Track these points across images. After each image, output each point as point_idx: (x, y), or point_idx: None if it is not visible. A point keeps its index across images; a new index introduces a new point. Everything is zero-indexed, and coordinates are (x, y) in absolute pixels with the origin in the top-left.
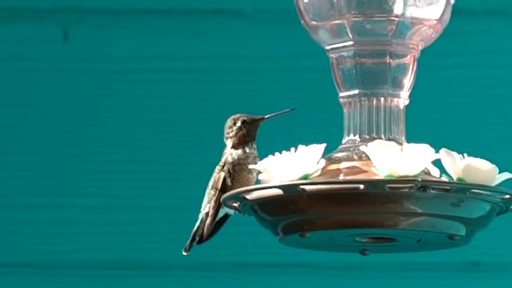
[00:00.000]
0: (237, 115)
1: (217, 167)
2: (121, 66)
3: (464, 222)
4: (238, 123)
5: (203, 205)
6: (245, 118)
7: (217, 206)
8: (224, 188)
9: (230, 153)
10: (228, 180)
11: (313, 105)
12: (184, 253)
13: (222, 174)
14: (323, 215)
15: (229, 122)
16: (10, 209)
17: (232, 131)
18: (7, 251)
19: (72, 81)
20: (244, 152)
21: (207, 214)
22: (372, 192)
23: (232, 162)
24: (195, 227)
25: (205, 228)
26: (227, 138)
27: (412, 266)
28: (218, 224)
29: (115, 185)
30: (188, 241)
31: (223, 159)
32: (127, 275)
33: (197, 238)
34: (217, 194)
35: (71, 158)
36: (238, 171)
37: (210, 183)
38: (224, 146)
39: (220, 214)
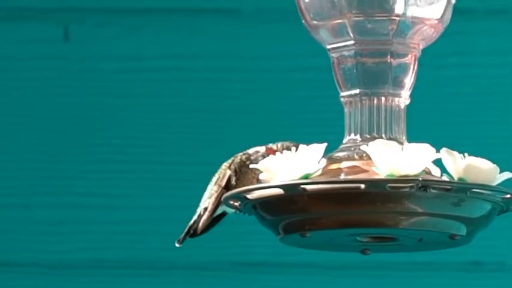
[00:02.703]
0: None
1: (225, 164)
2: (121, 65)
3: (465, 221)
4: (232, 180)
5: (202, 199)
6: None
7: (217, 203)
8: (228, 186)
9: (246, 154)
10: (233, 179)
11: (314, 104)
12: (177, 245)
13: (228, 172)
14: (324, 214)
15: (289, 143)
16: (10, 208)
17: (282, 147)
18: (7, 250)
19: (72, 81)
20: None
21: (205, 209)
22: (373, 191)
23: (240, 162)
24: (192, 221)
25: (201, 223)
26: (274, 143)
27: (413, 265)
28: (214, 220)
29: (115, 184)
30: (183, 233)
31: (232, 157)
32: (128, 274)
33: (191, 231)
34: (219, 191)
35: (72, 157)
36: (244, 173)
37: (214, 179)
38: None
39: (219, 211)
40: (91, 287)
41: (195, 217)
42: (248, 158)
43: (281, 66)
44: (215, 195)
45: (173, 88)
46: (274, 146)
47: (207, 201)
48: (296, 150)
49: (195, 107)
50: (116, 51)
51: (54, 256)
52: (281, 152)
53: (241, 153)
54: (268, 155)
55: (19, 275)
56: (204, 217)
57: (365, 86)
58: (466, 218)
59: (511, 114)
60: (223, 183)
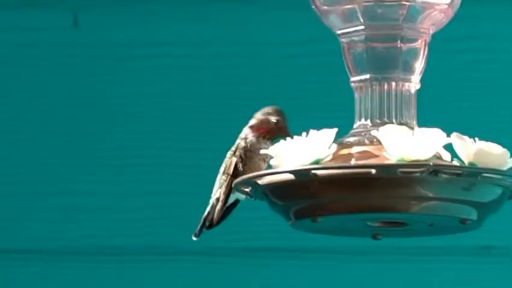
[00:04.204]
0: (279, 112)
1: (229, 152)
2: (130, 52)
3: (476, 206)
4: (272, 119)
5: (214, 190)
6: (279, 120)
7: (228, 191)
8: (235, 174)
9: (244, 139)
10: (240, 166)
11: (325, 90)
12: (194, 238)
13: (234, 159)
14: (335, 199)
15: (268, 109)
16: (18, 195)
17: (261, 118)
18: (16, 237)
19: (82, 67)
20: (258, 142)
21: (217, 199)
22: (384, 176)
23: (244, 147)
24: (205, 212)
25: (216, 214)
26: (253, 117)
27: (424, 250)
28: (228, 209)
29: (123, 171)
30: (199, 226)
31: (235, 144)
32: (138, 261)
33: (207, 223)
34: (228, 180)
35: (81, 144)
36: (249, 157)
37: (222, 169)
38: (239, 130)
39: (231, 200)
40: (99, 274)
41: (208, 208)
42: (251, 142)
43: (291, 52)
44: (225, 184)
45: (182, 75)
46: (253, 121)
47: (218, 191)
48: (279, 118)
49: (204, 94)
50: (125, 38)
51: (63, 243)
52: (264, 123)
53: (241, 138)
54: (254, 134)
55: (27, 262)
56: (218, 207)
57: (375, 71)
58: (476, 203)
59: None
60: (231, 171)
